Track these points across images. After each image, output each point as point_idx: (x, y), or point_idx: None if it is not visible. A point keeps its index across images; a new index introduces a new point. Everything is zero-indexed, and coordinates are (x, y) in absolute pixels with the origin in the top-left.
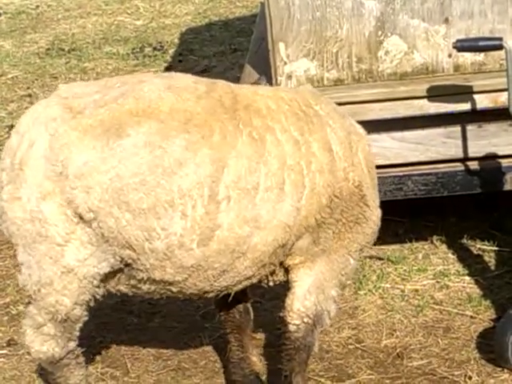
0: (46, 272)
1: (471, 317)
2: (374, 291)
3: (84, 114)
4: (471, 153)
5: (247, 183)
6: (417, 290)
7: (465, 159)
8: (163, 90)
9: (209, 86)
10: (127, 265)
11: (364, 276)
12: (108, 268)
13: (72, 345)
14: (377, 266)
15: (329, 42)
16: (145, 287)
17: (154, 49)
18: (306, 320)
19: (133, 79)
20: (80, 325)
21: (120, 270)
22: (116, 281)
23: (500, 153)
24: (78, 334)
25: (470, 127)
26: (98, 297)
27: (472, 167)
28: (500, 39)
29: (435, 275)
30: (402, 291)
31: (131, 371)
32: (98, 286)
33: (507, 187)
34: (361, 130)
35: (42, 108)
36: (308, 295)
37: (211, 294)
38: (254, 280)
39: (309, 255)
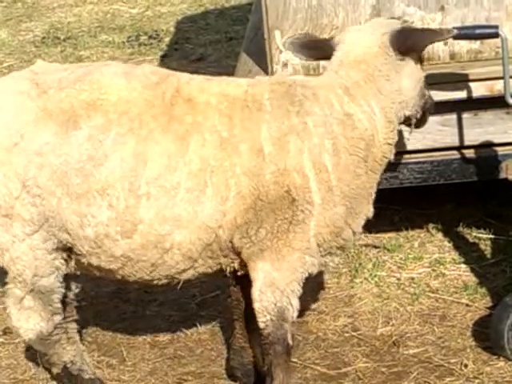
0: (3, 239)
1: (467, 305)
2: (369, 279)
3: (48, 94)
4: (467, 141)
5: (167, 181)
6: (413, 278)
7: (461, 147)
8: (119, 75)
9: (162, 77)
10: (69, 248)
11: (360, 264)
12: (53, 246)
13: (57, 318)
14: (373, 255)
15: (325, 29)
16: (95, 272)
17: (150, 37)
18: (268, 317)
19: (101, 63)
20: (58, 296)
21: (69, 251)
22: (71, 262)
23: (496, 141)
24: (59, 306)
25: (465, 115)
26: (61, 272)
27: (468, 155)
28: (496, 27)
29: (431, 263)
30: (398, 279)
31: (127, 359)
32: (55, 260)
33: (503, 175)
34: (320, 129)
35: (12, 80)
36: (262, 294)
37: (157, 282)
38: (201, 269)
39: (248, 254)
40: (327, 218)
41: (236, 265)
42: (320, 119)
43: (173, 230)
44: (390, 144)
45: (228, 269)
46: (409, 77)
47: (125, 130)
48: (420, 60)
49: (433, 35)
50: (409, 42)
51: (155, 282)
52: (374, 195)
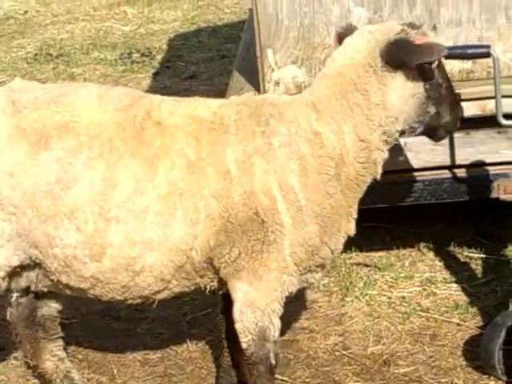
0: None
1: (458, 324)
2: (360, 298)
3: (23, 113)
4: (459, 160)
5: (136, 205)
6: (403, 297)
7: (452, 166)
8: (92, 97)
9: (134, 99)
10: (38, 264)
11: (351, 283)
12: (18, 262)
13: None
14: (364, 273)
15: (317, 48)
16: (66, 290)
17: (142, 55)
18: (250, 337)
19: (79, 84)
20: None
21: (35, 267)
22: (36, 278)
23: (487, 160)
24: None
25: (457, 134)
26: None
27: (459, 174)
28: (488, 47)
29: (422, 282)
30: (389, 298)
31: (117, 377)
32: (4, 278)
33: (494, 195)
34: (286, 149)
35: None
36: (242, 314)
37: (131, 302)
38: (177, 289)
39: (225, 274)
40: (300, 238)
41: (216, 284)
42: (285, 139)
43: (143, 252)
44: (362, 163)
45: (208, 287)
46: (398, 91)
47: (95, 154)
48: (425, 75)
49: (425, 54)
50: (400, 57)
51: (129, 302)
52: (355, 213)
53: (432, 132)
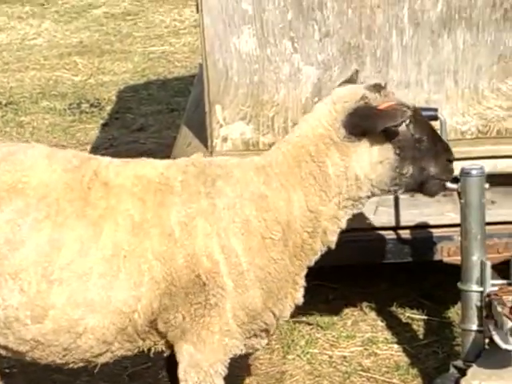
0: None
1: None
2: (302, 356)
3: None
4: (403, 221)
5: (80, 267)
6: (345, 357)
7: (397, 227)
8: (42, 157)
9: (83, 160)
10: None
11: (292, 341)
12: None
13: None
14: (306, 331)
15: (265, 106)
16: (1, 351)
17: (92, 105)
18: None
19: (25, 144)
20: None
21: None
22: None
23: (432, 222)
24: None
25: (402, 196)
26: None
27: (404, 236)
28: (435, 110)
29: (363, 342)
30: (330, 357)
31: None
32: None
33: (438, 257)
34: (230, 211)
35: None
36: (186, 374)
37: (72, 366)
38: (119, 352)
39: (172, 337)
40: (241, 302)
41: (161, 347)
42: (230, 201)
43: (85, 314)
44: (309, 232)
45: (153, 350)
46: (362, 161)
47: (42, 216)
48: (392, 137)
49: (388, 118)
50: (362, 126)
51: (70, 366)
52: (302, 281)
53: (422, 187)
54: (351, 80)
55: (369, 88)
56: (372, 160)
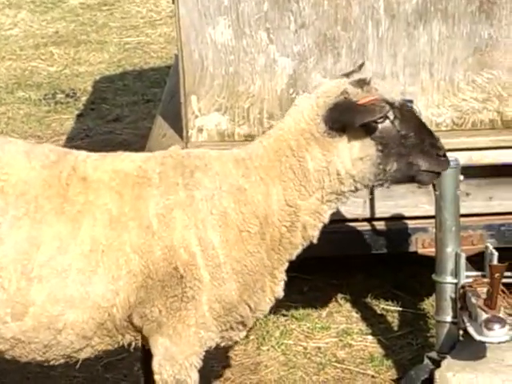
0: None
1: (372, 376)
2: (276, 347)
3: None
4: (378, 213)
5: (59, 263)
6: (319, 348)
7: (372, 219)
8: (20, 153)
9: (60, 155)
10: None
11: (267, 332)
12: None
13: None
14: (280, 322)
15: (241, 97)
16: None
17: (67, 96)
18: None
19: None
20: None
21: None
22: None
23: (407, 214)
24: None
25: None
26: None
27: (379, 227)
28: (411, 101)
29: (338, 333)
30: (305, 348)
31: None
32: None
33: (413, 248)
34: (208, 203)
35: None
36: (161, 367)
37: (53, 363)
38: (100, 347)
39: (147, 330)
40: (217, 294)
41: (139, 341)
42: (209, 192)
43: (65, 310)
44: (287, 227)
45: (133, 344)
46: (343, 156)
47: (21, 213)
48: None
49: (367, 113)
50: (342, 121)
51: (51, 363)
52: (281, 275)
53: (412, 180)
54: (352, 73)
55: (352, 83)
56: (353, 156)
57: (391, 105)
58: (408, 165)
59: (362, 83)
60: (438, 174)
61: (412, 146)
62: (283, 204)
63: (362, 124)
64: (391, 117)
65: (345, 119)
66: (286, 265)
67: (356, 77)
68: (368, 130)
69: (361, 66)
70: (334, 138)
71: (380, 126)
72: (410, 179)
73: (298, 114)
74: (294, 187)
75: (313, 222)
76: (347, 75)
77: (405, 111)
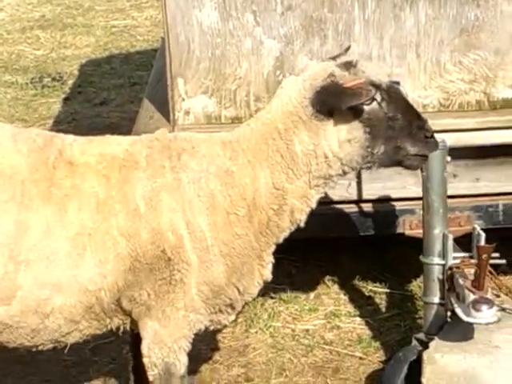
0: None
1: (360, 358)
2: (264, 330)
3: None
4: (366, 195)
5: (46, 247)
6: (307, 330)
7: (359, 201)
8: (7, 137)
9: (47, 139)
10: None
11: (255, 314)
12: None
13: None
14: (268, 305)
15: (227, 79)
16: None
17: (53, 79)
18: (156, 371)
19: None
20: None
21: None
22: None
23: (394, 196)
24: None
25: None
26: None
27: (366, 209)
28: (398, 83)
29: (326, 315)
30: (293, 330)
31: None
32: None
33: (400, 230)
34: (195, 185)
35: None
36: (150, 350)
37: (41, 348)
38: (88, 331)
39: (136, 314)
40: (206, 277)
41: (128, 325)
42: (196, 175)
43: (52, 294)
44: (274, 210)
45: (121, 328)
46: (331, 139)
47: (8, 197)
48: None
49: (354, 96)
50: (328, 103)
51: (39, 348)
52: (268, 258)
53: (400, 164)
54: (339, 56)
55: (339, 65)
56: (340, 138)
57: (378, 87)
58: (396, 148)
59: (349, 66)
60: (426, 157)
61: (400, 129)
62: (271, 187)
63: (348, 107)
64: (378, 99)
65: (332, 102)
66: (274, 248)
67: (343, 60)
68: (355, 112)
69: (347, 49)
70: (322, 121)
71: (367, 108)
72: (398, 163)
73: (285, 97)
74: (281, 170)
75: (300, 206)
76: (334, 58)
77: (392, 93)
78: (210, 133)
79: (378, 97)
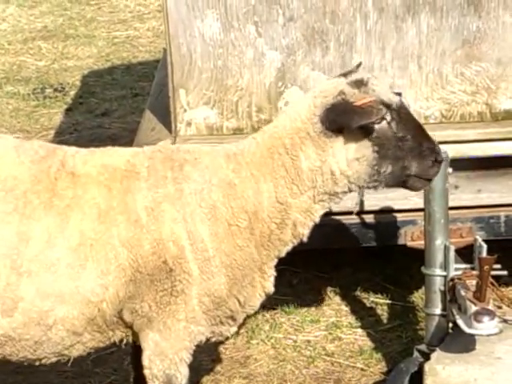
0: None
1: (362, 369)
2: (266, 341)
3: None
4: (367, 206)
5: (48, 258)
6: (309, 341)
7: (361, 212)
8: (9, 149)
9: (49, 151)
10: None
11: (257, 325)
12: None
13: None
14: (270, 316)
15: (229, 90)
16: None
17: (55, 90)
18: (157, 383)
19: None
20: None
21: None
22: None
23: (396, 207)
24: None
25: None
26: None
27: (368, 220)
28: (399, 94)
29: (327, 326)
30: (295, 342)
31: None
32: None
33: (402, 241)
34: (197, 196)
35: None
36: (151, 362)
37: (44, 361)
38: (91, 344)
39: (138, 326)
40: (207, 288)
41: (130, 337)
42: (198, 186)
43: (55, 305)
44: (277, 224)
45: (124, 341)
46: (339, 156)
47: (10, 208)
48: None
49: (363, 117)
50: (338, 122)
51: (42, 361)
52: (270, 271)
53: (404, 184)
54: (351, 72)
55: (349, 83)
56: (348, 156)
57: (388, 106)
58: (402, 168)
59: (360, 84)
60: (430, 180)
61: (408, 149)
62: (274, 201)
63: (359, 126)
64: (388, 118)
65: (342, 121)
66: (275, 261)
67: (354, 77)
68: (365, 131)
69: (358, 65)
70: (330, 138)
71: (377, 126)
72: (402, 184)
73: (293, 112)
74: (285, 185)
75: (303, 220)
76: (345, 75)
77: (402, 113)
78: (212, 144)
79: (388, 116)
